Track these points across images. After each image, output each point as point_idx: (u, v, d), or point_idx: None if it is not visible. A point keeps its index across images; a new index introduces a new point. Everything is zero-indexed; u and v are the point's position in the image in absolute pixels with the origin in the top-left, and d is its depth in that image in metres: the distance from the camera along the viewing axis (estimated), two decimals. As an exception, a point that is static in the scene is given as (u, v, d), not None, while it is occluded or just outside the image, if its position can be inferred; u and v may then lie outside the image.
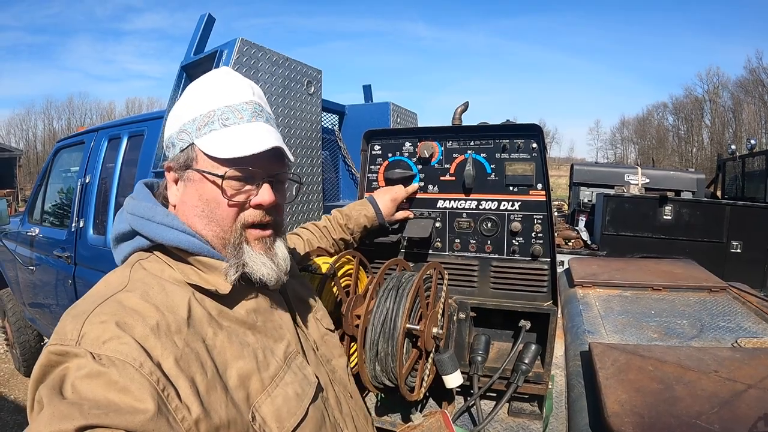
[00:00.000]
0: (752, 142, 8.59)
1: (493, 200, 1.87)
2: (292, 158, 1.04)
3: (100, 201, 3.39)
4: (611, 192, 6.63)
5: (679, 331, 2.15)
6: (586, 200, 7.74)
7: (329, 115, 3.91)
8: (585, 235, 6.67)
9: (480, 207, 1.89)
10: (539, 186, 1.80)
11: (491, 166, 1.86)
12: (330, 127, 3.91)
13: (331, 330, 1.29)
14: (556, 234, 6.28)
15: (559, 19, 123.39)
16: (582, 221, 7.20)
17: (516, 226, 1.82)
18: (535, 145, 1.79)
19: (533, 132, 1.79)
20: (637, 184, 7.52)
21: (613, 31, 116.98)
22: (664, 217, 5.95)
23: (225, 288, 0.95)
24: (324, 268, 1.49)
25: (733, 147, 9.28)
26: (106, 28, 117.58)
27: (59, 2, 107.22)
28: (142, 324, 0.81)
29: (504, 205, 1.85)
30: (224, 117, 0.98)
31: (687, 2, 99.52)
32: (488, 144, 1.85)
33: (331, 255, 1.65)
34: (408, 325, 1.37)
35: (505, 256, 1.87)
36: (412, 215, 1.92)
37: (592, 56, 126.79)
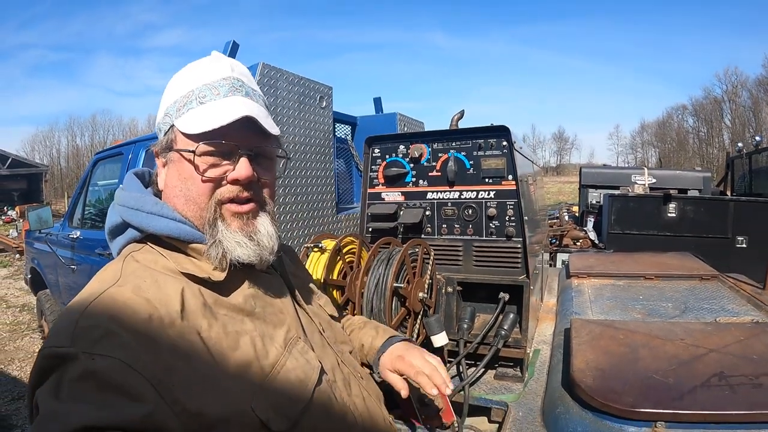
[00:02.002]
0: (757, 138, 8.60)
1: (472, 191, 2.18)
2: (274, 130, 0.99)
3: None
4: (616, 192, 6.76)
5: (662, 312, 2.30)
6: (594, 201, 7.92)
7: (343, 126, 4.25)
8: (593, 235, 6.83)
9: (462, 197, 2.21)
10: (510, 177, 2.11)
11: (470, 162, 2.18)
12: (343, 137, 4.24)
13: (334, 317, 1.28)
14: (564, 234, 6.53)
15: (579, 24, 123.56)
16: (590, 222, 7.36)
17: (492, 211, 2.14)
18: (505, 143, 2.11)
19: (503, 132, 2.11)
20: (643, 184, 7.65)
21: (631, 33, 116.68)
22: (669, 214, 6.04)
23: (218, 276, 0.93)
24: (330, 246, 1.83)
25: (740, 145, 9.29)
26: (128, 46, 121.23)
27: (81, 20, 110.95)
28: (135, 319, 0.79)
29: (481, 194, 2.17)
30: (201, 95, 0.96)
31: (704, 2, 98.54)
32: (467, 144, 2.18)
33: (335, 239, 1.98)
34: (395, 284, 1.71)
35: (484, 238, 2.19)
36: (405, 391, 1.25)
37: (611, 60, 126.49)
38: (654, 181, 7.92)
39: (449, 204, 2.24)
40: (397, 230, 2.30)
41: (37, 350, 5.96)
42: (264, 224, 1.00)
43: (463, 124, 2.34)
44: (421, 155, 2.25)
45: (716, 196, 7.46)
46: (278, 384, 0.91)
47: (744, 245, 5.78)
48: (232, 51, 2.91)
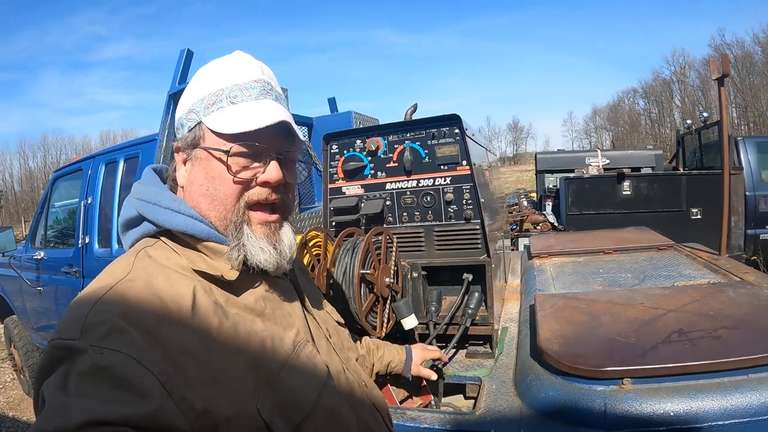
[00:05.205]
0: (705, 114, 8.91)
1: (429, 178, 2.26)
2: (302, 136, 1.05)
3: (103, 218, 3.69)
4: (571, 175, 6.96)
5: (621, 282, 2.41)
6: (551, 186, 8.14)
7: (300, 127, 4.29)
8: (552, 218, 6.99)
9: (420, 185, 2.28)
10: (464, 163, 2.19)
11: (425, 151, 2.25)
12: (301, 138, 4.30)
13: (341, 324, 1.29)
14: (524, 219, 6.67)
15: (529, 13, 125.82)
16: (549, 206, 7.55)
17: (449, 196, 2.22)
18: (457, 131, 2.19)
19: (455, 120, 2.19)
20: (597, 166, 7.88)
21: (580, 21, 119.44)
22: (624, 192, 6.26)
23: (231, 274, 0.93)
24: (297, 240, 1.87)
25: (689, 121, 9.64)
26: (73, 60, 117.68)
27: (25, 37, 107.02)
28: (145, 315, 0.79)
29: (438, 181, 2.24)
30: (232, 95, 0.96)
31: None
32: (421, 134, 2.25)
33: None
34: (362, 272, 1.77)
35: (444, 222, 2.27)
36: (435, 376, 1.82)
37: (561, 48, 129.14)
38: (608, 161, 8.16)
39: (408, 193, 2.31)
40: (359, 222, 2.36)
41: (8, 380, 5.87)
42: (287, 234, 1.02)
43: (417, 118, 2.40)
44: (377, 148, 2.32)
45: (669, 172, 7.72)
46: (284, 386, 0.91)
47: (699, 216, 6.03)
48: (187, 59, 2.92)
